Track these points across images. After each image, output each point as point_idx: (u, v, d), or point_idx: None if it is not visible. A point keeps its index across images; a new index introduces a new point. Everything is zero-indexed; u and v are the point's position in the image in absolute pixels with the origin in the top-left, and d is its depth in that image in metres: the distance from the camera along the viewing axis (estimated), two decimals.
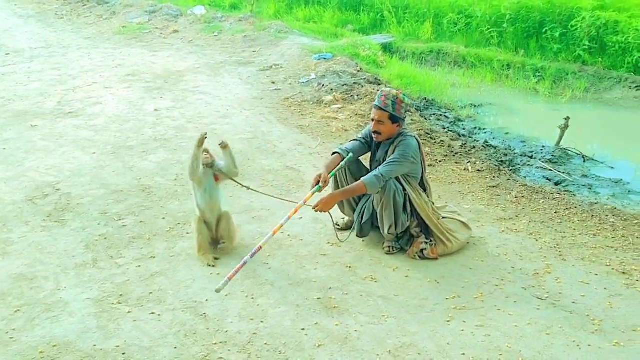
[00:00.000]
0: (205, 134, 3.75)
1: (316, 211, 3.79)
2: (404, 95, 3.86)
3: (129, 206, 4.53)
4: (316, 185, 3.79)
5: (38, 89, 7.68)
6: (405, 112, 3.85)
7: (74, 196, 4.65)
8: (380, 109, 3.77)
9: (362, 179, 3.76)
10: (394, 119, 3.79)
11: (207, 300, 3.36)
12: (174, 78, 8.38)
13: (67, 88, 7.74)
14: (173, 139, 6.03)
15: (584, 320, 3.25)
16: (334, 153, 4.03)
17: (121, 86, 7.91)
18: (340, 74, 8.34)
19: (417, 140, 3.89)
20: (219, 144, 3.88)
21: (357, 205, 4.11)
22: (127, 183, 4.94)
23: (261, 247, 3.41)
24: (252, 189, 4.06)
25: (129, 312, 3.22)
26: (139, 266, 3.71)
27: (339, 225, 4.26)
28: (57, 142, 5.79)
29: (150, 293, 3.42)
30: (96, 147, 5.68)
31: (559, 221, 4.51)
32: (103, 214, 4.39)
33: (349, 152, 3.96)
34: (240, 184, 3.98)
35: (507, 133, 7.03)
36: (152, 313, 3.22)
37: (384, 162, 3.79)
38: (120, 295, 3.40)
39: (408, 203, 3.85)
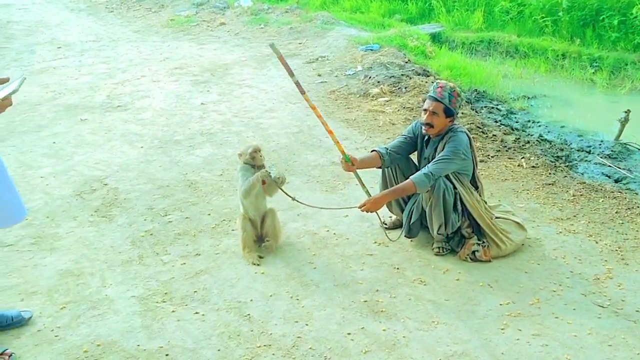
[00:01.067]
0: (268, 174, 3.65)
1: (363, 211, 3.68)
2: (460, 89, 3.69)
3: (175, 202, 4.52)
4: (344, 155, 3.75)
5: (88, 82, 7.81)
6: (459, 106, 3.69)
7: (121, 191, 4.68)
8: (436, 99, 3.61)
9: (410, 177, 3.62)
10: (448, 112, 3.63)
11: (251, 300, 3.30)
12: (220, 71, 8.38)
13: (116, 82, 7.85)
14: (219, 133, 6.01)
15: None
16: (372, 151, 3.91)
17: (169, 79, 7.96)
18: (388, 65, 8.16)
19: (467, 135, 3.72)
20: (275, 179, 3.73)
21: (405, 204, 3.97)
22: (173, 178, 4.94)
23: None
24: (297, 200, 3.93)
25: (173, 311, 3.19)
26: (184, 264, 3.68)
27: (386, 225, 4.13)
28: (105, 136, 5.86)
29: (195, 292, 3.39)
30: (144, 141, 5.71)
31: (620, 222, 4.25)
32: (149, 210, 4.39)
33: (388, 152, 3.83)
34: (286, 194, 3.87)
35: (562, 126, 6.72)
36: (196, 313, 3.18)
37: (434, 160, 3.64)
38: (165, 293, 3.37)
39: (459, 202, 3.68)
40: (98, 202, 4.52)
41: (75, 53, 9.58)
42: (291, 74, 3.48)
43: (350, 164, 3.73)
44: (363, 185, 3.88)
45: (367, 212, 3.68)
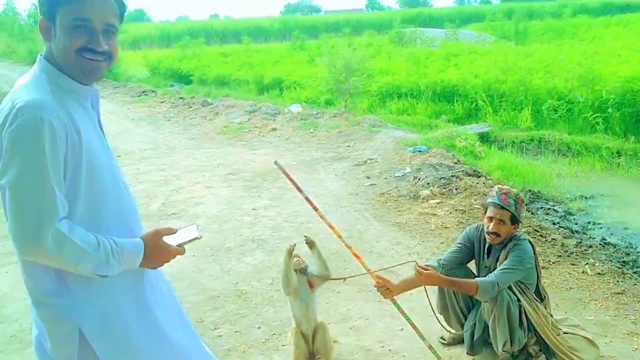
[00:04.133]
0: (294, 245, 3.63)
1: (418, 277, 3.46)
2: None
3: (225, 313, 4.45)
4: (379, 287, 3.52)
5: (145, 190, 8.08)
6: (523, 213, 3.58)
7: None
8: (502, 207, 3.50)
9: (476, 279, 3.45)
10: (514, 220, 3.51)
11: None
12: (271, 176, 8.55)
13: (171, 189, 8.09)
14: (270, 239, 6.01)
15: None
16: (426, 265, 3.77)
17: (222, 185, 8.16)
18: (437, 166, 8.15)
19: (531, 243, 3.57)
20: (305, 241, 3.73)
21: (465, 318, 3.77)
22: (223, 288, 4.90)
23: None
24: (348, 277, 3.88)
25: None
26: None
27: (444, 340, 3.91)
28: None
29: None
30: (195, 250, 5.76)
31: None
32: (200, 322, 4.32)
33: (442, 264, 3.68)
34: (336, 278, 3.78)
35: (626, 228, 6.43)
36: None
37: (498, 269, 3.47)
38: None
39: (524, 316, 3.47)
40: None
41: (133, 161, 10.02)
42: (299, 190, 3.46)
43: (389, 291, 3.51)
44: (401, 313, 3.64)
45: (418, 276, 3.45)
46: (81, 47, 1.84)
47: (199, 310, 4.52)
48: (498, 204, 3.52)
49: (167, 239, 2.03)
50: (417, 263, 3.53)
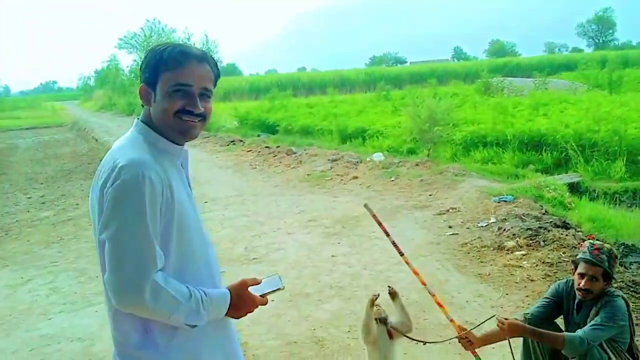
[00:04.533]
0: (378, 294, 3.62)
1: (498, 325, 3.35)
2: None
3: None
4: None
5: (228, 235, 8.36)
6: (616, 269, 3.40)
7: (250, 346, 4.74)
8: (595, 264, 3.35)
9: (564, 333, 3.30)
10: (607, 276, 3.35)
11: None
12: (351, 223, 8.60)
13: (254, 234, 8.32)
14: (348, 287, 6.01)
15: None
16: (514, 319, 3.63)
17: (302, 231, 8.30)
18: (523, 217, 7.88)
19: (625, 300, 3.37)
20: (388, 291, 3.72)
21: None
22: (301, 334, 4.93)
23: None
24: (428, 342, 3.79)
25: None
26: None
27: None
28: None
29: None
30: (275, 295, 5.84)
31: None
32: None
33: (528, 318, 3.54)
34: (416, 340, 3.73)
35: None
36: None
37: (588, 325, 3.30)
38: None
39: None
40: None
41: (219, 207, 10.41)
42: (387, 234, 3.46)
43: (468, 342, 3.47)
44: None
45: (501, 331, 3.34)
46: (179, 110, 2.01)
47: (276, 355, 4.57)
48: (590, 260, 3.37)
49: (251, 289, 2.11)
50: (498, 315, 3.43)
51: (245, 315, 2.11)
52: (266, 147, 17.28)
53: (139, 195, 1.83)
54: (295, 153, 15.39)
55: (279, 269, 6.71)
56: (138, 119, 2.10)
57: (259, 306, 2.14)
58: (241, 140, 19.83)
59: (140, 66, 2.10)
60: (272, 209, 9.95)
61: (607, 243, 3.84)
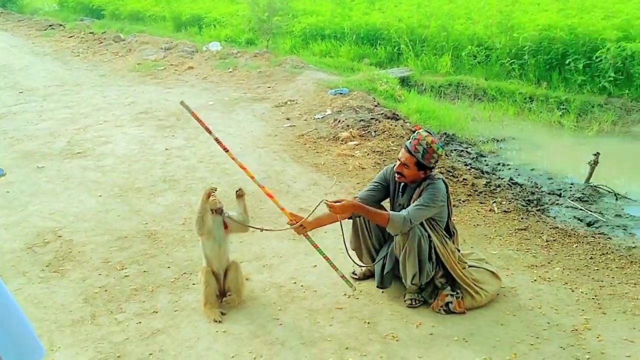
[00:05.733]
0: (214, 188, 3.48)
1: (330, 211, 3.47)
2: (440, 145, 3.51)
3: (133, 254, 4.27)
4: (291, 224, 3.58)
5: (48, 128, 7.56)
6: (435, 162, 3.53)
7: (75, 243, 4.41)
8: (409, 152, 3.48)
9: (389, 212, 3.47)
10: (420, 166, 3.50)
11: None
12: (187, 116, 8.16)
13: (77, 127, 7.61)
14: (183, 180, 5.80)
15: None
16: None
17: (132, 124, 7.76)
18: (357, 109, 8.10)
19: (445, 183, 3.59)
20: (236, 192, 3.62)
21: (377, 253, 3.80)
22: (132, 228, 4.69)
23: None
24: (265, 229, 3.83)
25: None
26: (140, 322, 3.43)
27: (355, 275, 3.95)
28: (62, 185, 5.59)
29: (150, 354, 3.13)
30: (102, 190, 5.46)
31: (595, 268, 4.14)
32: (105, 263, 4.13)
33: (358, 200, 3.67)
34: (253, 227, 3.71)
35: (532, 169, 6.69)
36: None
37: (411, 205, 3.49)
38: (118, 357, 3.11)
39: (433, 251, 3.53)
40: (50, 255, 4.24)
41: (37, 98, 9.34)
42: (209, 131, 3.35)
43: (300, 226, 3.55)
44: (315, 247, 3.65)
45: (335, 213, 3.47)
46: None
47: (104, 250, 4.31)
48: (407, 147, 3.51)
49: None
50: (326, 200, 3.49)
51: None
52: (90, 32, 15.63)
53: None
54: (123, 40, 14.11)
55: (107, 162, 6.26)
56: None
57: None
58: (61, 25, 17.72)
59: None
60: (99, 101, 9.14)
61: (443, 147, 3.99)
